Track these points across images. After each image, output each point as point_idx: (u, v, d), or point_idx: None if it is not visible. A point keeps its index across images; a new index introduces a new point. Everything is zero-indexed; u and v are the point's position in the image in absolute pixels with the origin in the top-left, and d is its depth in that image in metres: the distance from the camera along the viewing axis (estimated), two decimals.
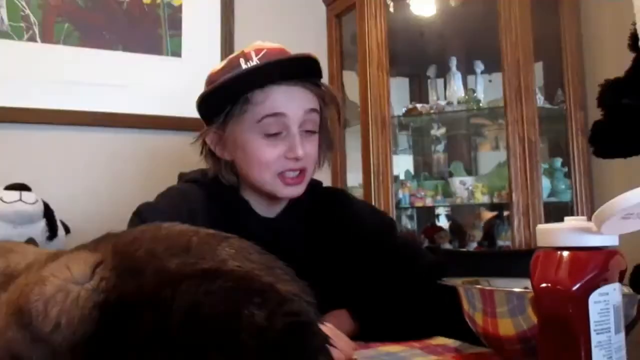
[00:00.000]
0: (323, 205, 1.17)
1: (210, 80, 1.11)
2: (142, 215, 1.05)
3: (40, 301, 0.58)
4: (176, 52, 2.18)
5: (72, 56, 2.00)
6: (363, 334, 1.00)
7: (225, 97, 1.06)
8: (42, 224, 1.64)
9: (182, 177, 1.22)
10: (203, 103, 1.09)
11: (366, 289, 1.09)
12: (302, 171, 1.08)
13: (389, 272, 1.11)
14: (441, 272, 0.97)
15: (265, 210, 1.14)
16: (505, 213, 2.31)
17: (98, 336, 0.56)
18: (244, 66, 1.05)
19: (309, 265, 1.03)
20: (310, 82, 1.08)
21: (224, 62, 1.11)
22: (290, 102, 1.05)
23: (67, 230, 1.74)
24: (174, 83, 2.16)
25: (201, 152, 1.15)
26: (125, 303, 0.56)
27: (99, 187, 2.01)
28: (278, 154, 1.05)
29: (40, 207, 1.64)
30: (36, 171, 1.88)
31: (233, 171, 1.12)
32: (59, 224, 1.69)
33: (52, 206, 1.70)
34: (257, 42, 1.10)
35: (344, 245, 1.13)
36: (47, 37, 1.97)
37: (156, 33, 2.15)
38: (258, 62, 1.05)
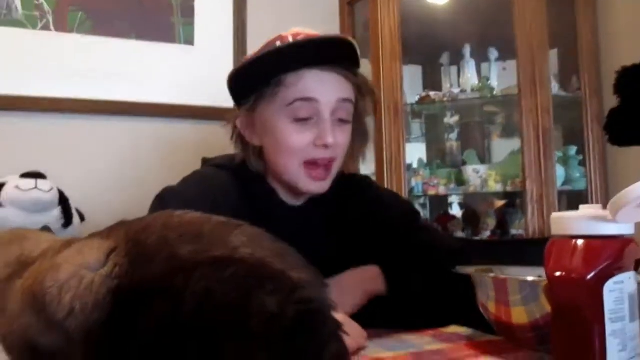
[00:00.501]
0: (348, 193, 1.15)
1: (243, 62, 1.08)
2: (164, 199, 1.03)
3: (55, 287, 0.58)
4: (189, 40, 2.18)
5: (86, 45, 2.01)
6: (390, 297, 1.00)
7: (257, 77, 1.03)
8: (57, 211, 1.66)
9: (206, 162, 1.19)
10: (234, 81, 1.07)
11: (392, 269, 1.07)
12: (330, 162, 1.04)
13: (412, 258, 1.10)
14: (465, 260, 0.97)
15: (292, 198, 1.11)
16: (518, 201, 2.30)
17: (111, 322, 0.56)
18: (277, 45, 1.02)
19: (334, 254, 1.03)
20: (346, 69, 1.04)
21: (259, 47, 1.07)
22: (323, 87, 1.01)
23: (82, 218, 1.75)
24: (186, 71, 2.16)
25: (232, 137, 1.12)
26: (137, 290, 0.57)
27: (113, 175, 2.03)
28: (307, 141, 1.02)
29: (55, 195, 1.66)
30: (51, 159, 1.90)
31: (261, 158, 1.09)
32: (74, 211, 1.71)
33: (67, 194, 1.71)
34: (296, 28, 1.06)
35: (367, 233, 1.12)
36: (61, 25, 1.98)
37: (169, 21, 2.15)
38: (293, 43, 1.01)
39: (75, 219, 1.71)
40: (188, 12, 2.19)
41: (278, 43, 1.02)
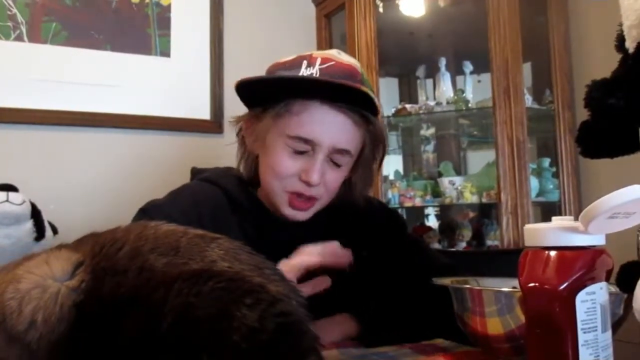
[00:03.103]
0: (338, 204, 1.12)
1: (268, 70, 1.05)
2: (148, 213, 1.00)
3: (15, 299, 0.56)
4: (165, 52, 2.17)
5: (60, 56, 1.99)
6: (366, 339, 0.98)
7: (266, 94, 1.01)
8: (29, 224, 1.63)
9: (196, 173, 1.17)
10: (240, 88, 1.03)
11: (375, 290, 1.06)
12: (311, 198, 1.02)
13: (400, 273, 1.09)
14: (453, 274, 0.97)
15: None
16: (493, 212, 2.32)
17: (78, 336, 0.55)
18: (302, 69, 0.98)
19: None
20: (358, 114, 0.99)
21: (293, 56, 1.03)
22: (325, 129, 0.98)
23: (54, 231, 1.72)
24: (162, 83, 2.15)
25: (237, 134, 1.11)
26: (104, 304, 0.56)
27: (87, 188, 2.00)
28: (295, 170, 1.00)
29: (27, 208, 1.63)
30: (23, 171, 1.87)
31: (254, 165, 1.08)
32: (46, 224, 1.68)
33: (39, 207, 1.68)
34: (333, 51, 1.03)
35: (357, 244, 1.12)
36: (35, 36, 1.96)
37: (145, 32, 2.14)
38: (318, 70, 0.97)
39: (48, 232, 1.68)
40: (164, 23, 2.18)
41: (304, 62, 0.99)
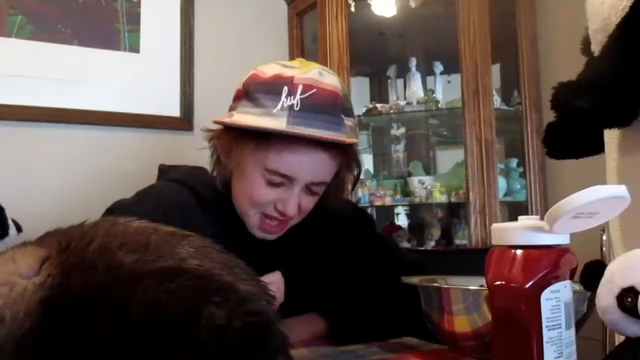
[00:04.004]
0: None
1: (248, 87, 1.00)
2: (114, 213, 0.98)
3: None
4: (134, 48, 2.14)
5: (25, 50, 1.94)
6: (334, 337, 0.99)
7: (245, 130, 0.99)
8: None
9: (164, 172, 1.15)
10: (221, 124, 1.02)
11: (344, 288, 1.07)
12: (284, 222, 1.03)
13: (368, 271, 1.10)
14: (421, 272, 0.98)
15: None
16: (462, 211, 2.35)
17: (45, 331, 0.54)
18: (283, 98, 0.95)
19: (294, 267, 1.02)
20: (337, 148, 0.99)
21: (270, 74, 0.99)
22: (304, 167, 0.98)
23: (19, 229, 1.69)
24: (131, 79, 2.12)
25: (210, 143, 1.08)
26: (73, 300, 0.55)
27: (51, 185, 1.96)
28: (271, 199, 1.00)
29: None
30: None
31: (229, 176, 1.06)
32: (10, 222, 1.64)
33: (2, 204, 1.64)
34: (314, 71, 0.99)
35: (325, 243, 1.12)
36: None
37: (113, 27, 2.11)
38: (299, 102, 0.95)
39: (12, 230, 1.64)
40: (134, 18, 2.15)
41: (285, 90, 0.96)
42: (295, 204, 1.00)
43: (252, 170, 1.00)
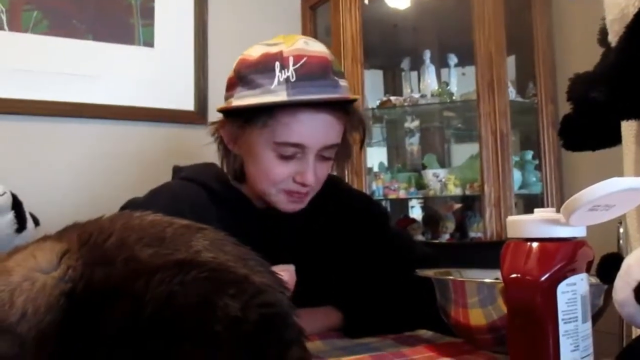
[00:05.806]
0: (320, 195, 1.12)
1: (240, 72, 1.02)
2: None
3: (6, 291, 0.57)
4: (148, 42, 2.15)
5: (41, 45, 1.96)
6: (349, 330, 0.99)
7: (249, 110, 1.00)
8: (10, 216, 1.61)
9: (177, 171, 1.17)
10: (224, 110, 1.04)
11: (357, 281, 1.08)
12: (306, 193, 1.05)
13: (382, 264, 1.10)
14: (434, 265, 0.98)
15: (266, 205, 1.09)
16: (477, 204, 2.34)
17: (65, 325, 0.55)
18: (277, 73, 0.97)
19: (308, 258, 1.03)
20: (340, 109, 1.01)
21: (259, 55, 1.01)
22: (313, 133, 0.99)
23: (36, 222, 1.70)
24: (145, 73, 2.13)
25: (214, 136, 1.10)
26: (94, 292, 0.56)
27: (68, 179, 1.98)
28: (288, 173, 1.01)
29: (8, 199, 1.61)
30: (4, 162, 1.85)
31: (241, 168, 1.07)
32: (27, 216, 1.66)
33: (20, 198, 1.66)
34: (300, 41, 1.01)
35: (339, 236, 1.13)
36: (15, 25, 1.93)
37: (128, 22, 2.12)
38: (293, 73, 0.97)
39: (29, 223, 1.66)
40: (148, 13, 2.16)
41: (277, 65, 0.98)
42: (312, 172, 1.01)
43: (263, 150, 1.01)
